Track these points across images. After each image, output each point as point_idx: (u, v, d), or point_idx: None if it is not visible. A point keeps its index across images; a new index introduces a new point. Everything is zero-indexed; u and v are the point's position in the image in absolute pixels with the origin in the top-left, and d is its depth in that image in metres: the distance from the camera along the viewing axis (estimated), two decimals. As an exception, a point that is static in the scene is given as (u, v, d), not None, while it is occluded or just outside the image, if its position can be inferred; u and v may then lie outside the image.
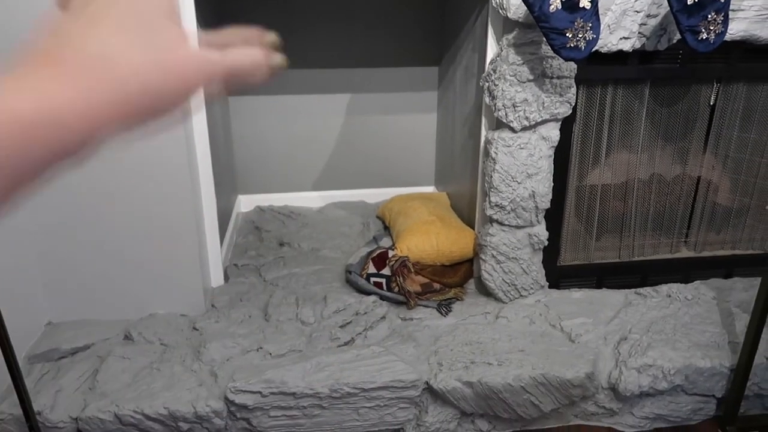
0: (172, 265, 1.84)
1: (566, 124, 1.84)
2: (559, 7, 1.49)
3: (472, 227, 2.17)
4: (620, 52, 1.76)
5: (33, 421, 1.41)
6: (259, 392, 1.54)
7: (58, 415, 1.49)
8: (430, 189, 2.86)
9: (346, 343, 1.76)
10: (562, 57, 1.58)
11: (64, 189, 1.69)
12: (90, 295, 1.82)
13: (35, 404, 1.47)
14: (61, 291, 1.80)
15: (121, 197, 1.73)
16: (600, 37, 1.59)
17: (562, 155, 1.88)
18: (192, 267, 1.86)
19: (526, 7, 1.57)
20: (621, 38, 1.73)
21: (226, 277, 2.11)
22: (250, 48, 0.40)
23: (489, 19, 1.83)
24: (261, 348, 1.70)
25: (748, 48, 1.83)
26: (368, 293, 1.97)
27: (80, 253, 1.77)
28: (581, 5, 1.50)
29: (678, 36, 1.72)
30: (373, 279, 1.98)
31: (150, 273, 1.83)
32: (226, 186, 2.42)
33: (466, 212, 2.28)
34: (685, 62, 1.84)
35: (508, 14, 1.66)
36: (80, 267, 1.78)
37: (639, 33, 1.73)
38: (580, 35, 1.54)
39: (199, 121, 1.87)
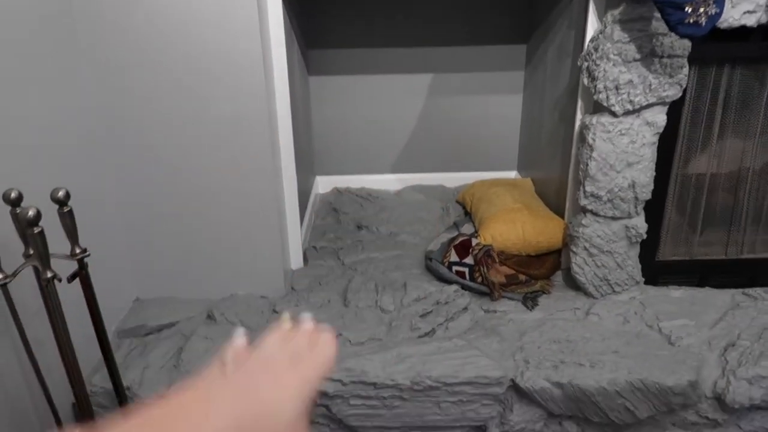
0: (254, 246, 1.83)
1: (674, 108, 1.68)
2: (679, -22, 1.34)
3: (560, 216, 2.04)
4: (742, 28, 1.57)
5: (122, 396, 1.44)
6: (340, 380, 1.51)
7: (145, 391, 1.53)
8: (512, 174, 2.73)
9: (426, 334, 1.70)
10: (678, 34, 1.43)
11: (151, 173, 1.71)
12: (175, 273, 1.85)
13: (125, 379, 1.50)
14: (147, 269, 1.84)
15: (204, 179, 1.73)
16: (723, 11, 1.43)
17: (667, 142, 1.72)
18: (273, 249, 1.85)
19: (637, -21, 1.42)
20: (745, 12, 1.55)
21: (305, 260, 2.10)
22: (320, 347, 0.55)
23: (590, -8, 1.69)
24: (341, 335, 1.67)
25: None
26: (449, 282, 1.90)
27: (166, 234, 1.79)
28: (705, -25, 1.34)
29: (813, 9, 1.53)
30: (455, 267, 1.90)
31: (232, 254, 1.84)
32: (306, 167, 2.40)
33: (553, 200, 2.16)
34: (819, 39, 1.63)
35: (616, -13, 1.52)
36: (166, 247, 1.81)
37: (766, 6, 1.54)
38: (701, 10, 1.38)
39: (282, 102, 1.85)
